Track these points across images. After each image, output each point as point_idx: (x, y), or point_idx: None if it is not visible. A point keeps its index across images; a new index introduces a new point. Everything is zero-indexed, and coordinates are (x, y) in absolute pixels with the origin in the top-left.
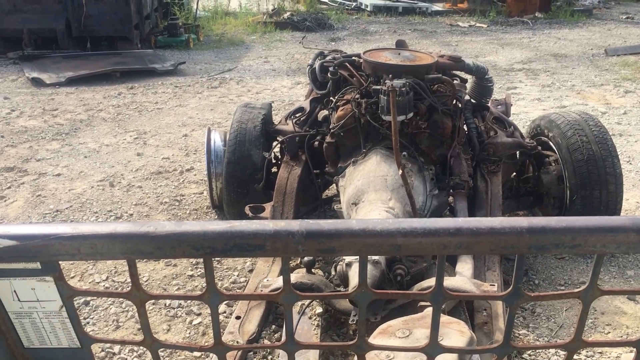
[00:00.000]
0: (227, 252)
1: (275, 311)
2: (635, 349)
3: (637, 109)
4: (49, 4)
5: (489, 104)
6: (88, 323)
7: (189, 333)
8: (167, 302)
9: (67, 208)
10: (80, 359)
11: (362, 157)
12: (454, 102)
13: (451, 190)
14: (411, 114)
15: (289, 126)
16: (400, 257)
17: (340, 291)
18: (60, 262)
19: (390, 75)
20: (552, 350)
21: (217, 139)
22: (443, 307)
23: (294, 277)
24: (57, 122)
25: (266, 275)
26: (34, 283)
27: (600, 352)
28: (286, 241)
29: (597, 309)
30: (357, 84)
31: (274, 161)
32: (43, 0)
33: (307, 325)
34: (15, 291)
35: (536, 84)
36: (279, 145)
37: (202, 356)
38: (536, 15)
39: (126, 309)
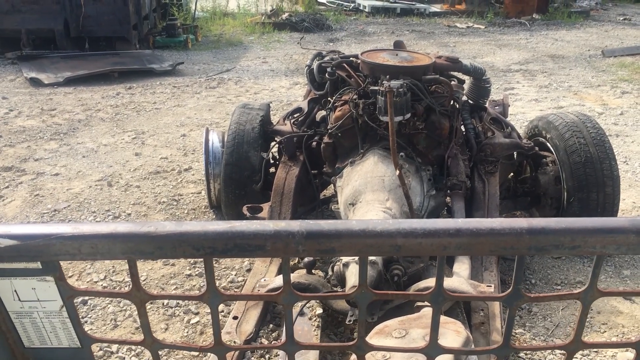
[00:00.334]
0: (227, 252)
1: (273, 311)
2: (635, 350)
3: (634, 109)
4: (47, 4)
5: (486, 105)
6: (86, 322)
7: (187, 332)
8: (165, 301)
9: (65, 208)
10: (80, 359)
11: (360, 158)
12: (452, 102)
13: (448, 191)
14: (409, 115)
15: (287, 126)
16: (398, 257)
17: (338, 291)
18: (60, 262)
19: (388, 76)
20: (549, 350)
21: (215, 140)
22: None
23: (292, 277)
24: (55, 122)
25: (264, 275)
26: (34, 283)
27: (596, 351)
28: (286, 241)
29: (594, 309)
30: (355, 85)
31: (272, 161)
32: (41, 0)
33: (307, 326)
34: (15, 291)
35: (533, 84)
36: (277, 145)
37: (200, 355)
38: (534, 16)
39: (124, 308)
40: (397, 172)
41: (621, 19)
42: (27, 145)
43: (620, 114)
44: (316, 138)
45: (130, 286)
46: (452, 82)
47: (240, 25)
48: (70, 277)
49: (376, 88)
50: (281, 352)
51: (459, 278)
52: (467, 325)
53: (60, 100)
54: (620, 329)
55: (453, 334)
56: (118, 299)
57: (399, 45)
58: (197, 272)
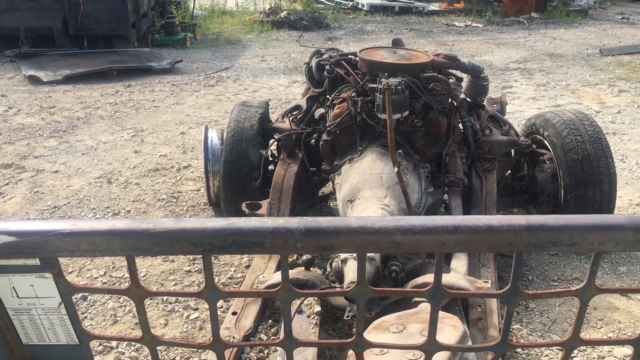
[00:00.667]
0: (226, 249)
1: (272, 306)
2: (633, 347)
3: (631, 108)
4: (46, 2)
5: (484, 103)
6: (86, 318)
7: (186, 327)
8: (165, 297)
9: (65, 204)
10: (78, 356)
11: (358, 155)
12: (450, 100)
13: (446, 188)
14: (407, 112)
15: (286, 124)
16: (396, 253)
17: (337, 288)
18: (59, 259)
19: (386, 74)
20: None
21: (214, 137)
22: None
23: (290, 273)
24: (55, 119)
25: (263, 271)
26: (33, 279)
27: (592, 346)
28: (285, 238)
29: (590, 305)
30: (354, 83)
31: (270, 159)
32: None
33: (305, 323)
34: (14, 287)
35: (531, 83)
36: (275, 143)
37: (199, 351)
38: (532, 15)
39: (124, 303)
40: (395, 169)
41: (619, 17)
42: (26, 143)
43: (617, 112)
44: (315, 135)
45: (129, 283)
46: (450, 80)
47: (239, 23)
48: (70, 273)
49: (374, 86)
50: (279, 349)
51: (457, 274)
52: (464, 321)
53: (59, 98)
54: (616, 324)
55: (450, 328)
56: (118, 294)
57: (397, 43)
58: (196, 269)
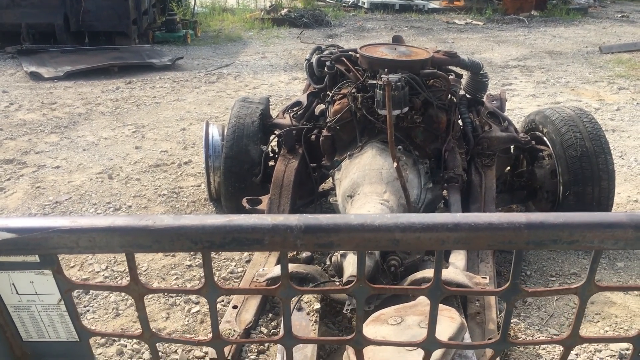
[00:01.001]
0: (225, 246)
1: (272, 300)
2: (632, 345)
3: (630, 105)
4: None
5: (483, 99)
6: (88, 311)
7: (188, 321)
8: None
9: (66, 200)
10: (78, 353)
11: (358, 151)
12: (449, 97)
13: (445, 184)
14: (406, 109)
15: (287, 120)
16: None
17: (336, 282)
18: (59, 255)
19: (386, 70)
20: (543, 337)
21: (215, 133)
22: None
23: (290, 267)
24: (56, 115)
25: (263, 266)
26: (32, 276)
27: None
28: (284, 235)
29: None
30: (354, 79)
31: (271, 155)
32: None
33: (304, 320)
34: (13, 284)
35: (531, 80)
36: (276, 138)
37: (201, 340)
38: (532, 13)
39: (125, 297)
40: (395, 164)
41: (619, 16)
42: (28, 139)
43: (616, 109)
44: (315, 131)
45: (129, 279)
46: (450, 77)
47: (240, 20)
48: (72, 267)
49: (375, 82)
50: (279, 346)
51: (455, 269)
52: (462, 313)
53: (60, 94)
54: (613, 319)
55: (447, 320)
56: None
57: (397, 40)
58: (197, 263)
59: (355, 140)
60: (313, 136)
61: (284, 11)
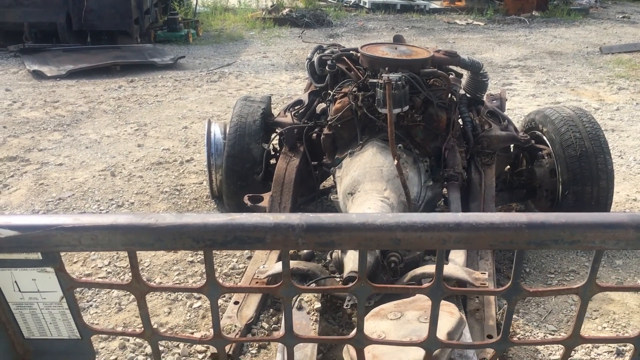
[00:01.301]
0: (227, 244)
1: (273, 295)
2: (633, 346)
3: (630, 105)
4: None
5: (483, 99)
6: (91, 306)
7: (189, 316)
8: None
9: (69, 196)
10: (80, 350)
11: (359, 149)
12: (449, 96)
13: (445, 182)
14: (407, 107)
15: (288, 118)
16: None
17: (336, 277)
18: (61, 253)
19: (387, 69)
20: (542, 333)
21: (217, 131)
22: None
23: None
24: (59, 113)
25: (264, 262)
26: (34, 274)
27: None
28: (286, 234)
29: None
30: (355, 78)
31: (272, 153)
32: None
33: (305, 320)
34: (16, 282)
35: (531, 80)
36: (278, 137)
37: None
38: (533, 13)
39: (128, 292)
40: (395, 161)
41: (620, 16)
42: (31, 136)
43: (616, 109)
44: (316, 130)
45: (131, 277)
46: (450, 76)
47: (241, 20)
48: (75, 262)
49: (375, 80)
50: (279, 345)
51: (454, 265)
52: (462, 308)
53: (62, 93)
54: (611, 315)
55: (447, 315)
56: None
57: (398, 40)
58: (199, 259)
59: (356, 138)
60: (314, 134)
61: (285, 11)
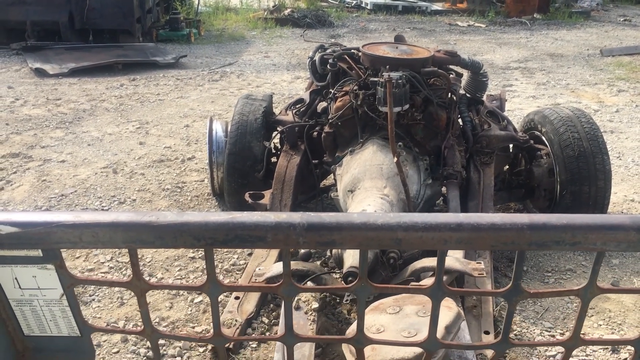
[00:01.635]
0: (228, 242)
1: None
2: (633, 348)
3: (629, 107)
4: None
5: (483, 98)
6: (93, 300)
7: (191, 310)
8: (170, 280)
9: (71, 193)
10: (79, 348)
11: (359, 147)
12: (449, 95)
13: (444, 180)
14: (407, 106)
15: (289, 117)
16: None
17: (335, 272)
18: (61, 250)
19: (388, 68)
20: (538, 330)
21: (218, 129)
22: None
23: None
24: (61, 111)
25: (265, 259)
26: (35, 271)
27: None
28: (287, 233)
29: None
30: (356, 76)
31: (273, 151)
32: None
33: (303, 319)
34: (16, 278)
35: (532, 82)
36: (279, 135)
37: (202, 332)
38: (534, 16)
39: None
40: (395, 159)
41: (621, 19)
42: (33, 133)
43: (615, 111)
44: (317, 128)
45: (131, 275)
46: (450, 76)
47: (243, 20)
48: (77, 258)
49: (376, 79)
50: (277, 344)
51: (450, 257)
52: (459, 302)
53: (65, 91)
54: (607, 313)
55: (444, 309)
56: (123, 278)
57: (399, 40)
58: (200, 255)
59: (357, 136)
60: (315, 133)
61: (287, 11)
